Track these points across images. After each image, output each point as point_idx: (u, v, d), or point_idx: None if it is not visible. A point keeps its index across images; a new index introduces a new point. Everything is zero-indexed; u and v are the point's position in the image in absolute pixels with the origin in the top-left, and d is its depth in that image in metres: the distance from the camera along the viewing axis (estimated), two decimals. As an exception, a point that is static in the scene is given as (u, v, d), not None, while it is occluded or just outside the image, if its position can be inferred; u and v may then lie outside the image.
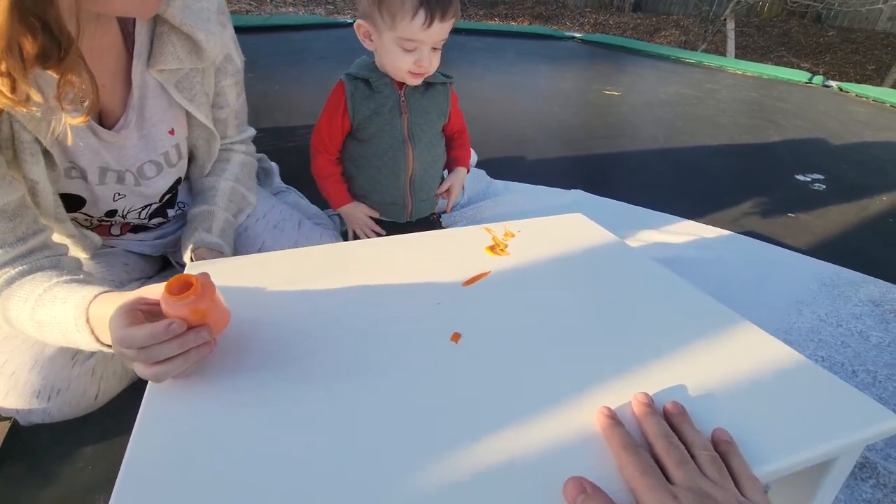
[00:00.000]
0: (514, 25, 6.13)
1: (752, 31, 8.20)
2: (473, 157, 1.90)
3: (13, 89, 0.60)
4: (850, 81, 6.50)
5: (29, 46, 0.58)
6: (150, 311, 0.58)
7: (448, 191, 1.21)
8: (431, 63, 0.99)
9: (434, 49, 0.98)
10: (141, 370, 0.57)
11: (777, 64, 6.97)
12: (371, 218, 1.18)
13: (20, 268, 0.75)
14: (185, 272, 0.61)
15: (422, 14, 0.90)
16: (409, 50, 0.96)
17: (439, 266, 0.87)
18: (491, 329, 0.70)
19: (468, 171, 1.27)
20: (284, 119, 2.18)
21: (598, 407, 0.58)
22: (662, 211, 1.66)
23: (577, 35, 4.28)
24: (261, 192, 1.17)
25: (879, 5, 5.52)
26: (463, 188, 1.73)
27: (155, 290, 0.60)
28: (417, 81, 1.02)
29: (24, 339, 0.82)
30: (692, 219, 1.62)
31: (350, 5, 7.59)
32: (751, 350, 0.67)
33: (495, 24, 6.75)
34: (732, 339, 0.69)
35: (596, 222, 1.09)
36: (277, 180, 1.43)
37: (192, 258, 0.94)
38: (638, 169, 2.03)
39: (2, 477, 0.78)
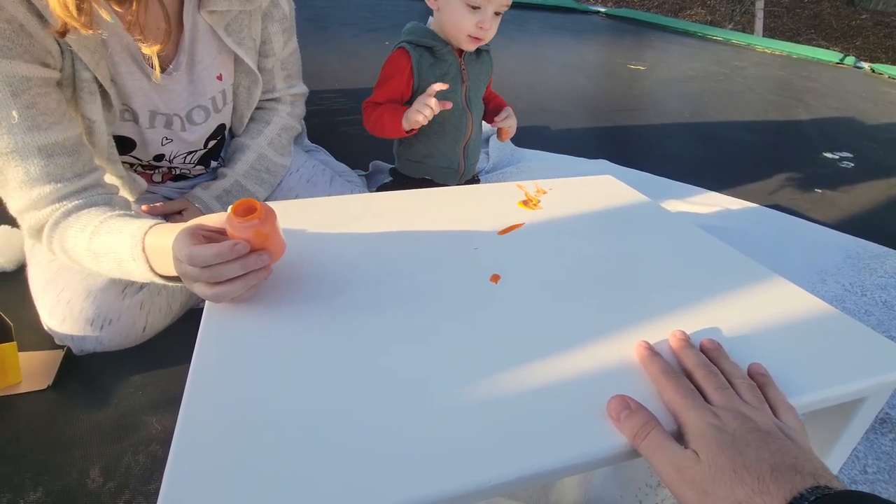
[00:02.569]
0: (536, -1, 6.04)
1: (782, 11, 7.98)
2: (512, 131, 1.91)
3: (82, 6, 0.64)
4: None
5: None
6: (209, 237, 0.62)
7: (508, 121, 1.19)
8: (491, 27, 1.00)
9: (496, 14, 0.99)
10: (202, 290, 0.61)
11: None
12: (425, 178, 1.18)
13: (77, 202, 0.79)
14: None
15: None
16: (475, 8, 0.98)
17: (474, 216, 0.89)
18: (529, 273, 0.72)
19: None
20: (309, 83, 2.20)
21: (636, 341, 0.61)
22: (687, 183, 1.66)
23: (602, 9, 4.22)
24: (294, 148, 1.19)
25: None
26: (487, 154, 1.75)
27: (214, 219, 0.64)
28: (474, 46, 1.04)
29: (78, 270, 0.86)
30: (717, 191, 1.63)
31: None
32: (782, 299, 0.70)
33: (518, -3, 6.66)
34: (764, 289, 0.72)
35: None
36: (307, 139, 1.46)
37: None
38: (663, 141, 2.02)
39: (59, 401, 0.84)
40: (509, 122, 1.18)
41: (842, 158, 1.97)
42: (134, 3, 0.67)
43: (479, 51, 1.12)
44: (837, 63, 3.44)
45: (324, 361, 0.56)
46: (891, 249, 1.37)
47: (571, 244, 0.81)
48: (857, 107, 2.59)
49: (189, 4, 0.88)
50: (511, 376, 0.54)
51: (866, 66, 3.40)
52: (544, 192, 1.00)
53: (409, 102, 1.08)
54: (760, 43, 3.77)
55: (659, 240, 0.86)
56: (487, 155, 1.74)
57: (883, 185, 1.79)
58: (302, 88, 1.17)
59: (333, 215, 0.85)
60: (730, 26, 6.66)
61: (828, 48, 6.81)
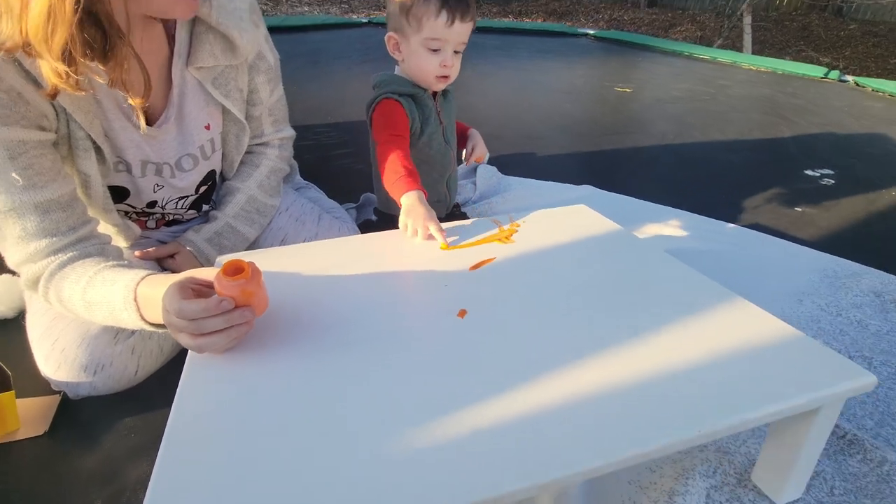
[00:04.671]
0: (527, 23, 6.16)
1: (771, 25, 8.11)
2: (485, 155, 1.97)
3: (71, 73, 0.70)
4: (872, 75, 6.43)
5: (86, 36, 0.68)
6: (198, 291, 0.67)
7: (473, 150, 1.28)
8: (454, 65, 1.08)
9: (456, 52, 1.07)
10: (186, 341, 0.65)
11: (796, 59, 6.90)
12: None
13: (71, 253, 0.84)
14: (226, 259, 0.69)
15: (444, 14, 1.03)
16: (434, 50, 1.06)
17: (448, 254, 0.94)
18: (493, 306, 0.77)
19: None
20: (303, 118, 2.27)
21: (592, 364, 0.65)
22: (670, 206, 1.70)
23: (591, 32, 4.32)
24: (283, 188, 1.25)
25: (900, -2, 5.44)
26: (475, 184, 1.80)
27: (203, 272, 0.69)
28: (442, 85, 1.12)
29: (72, 319, 0.91)
30: (699, 213, 1.67)
31: (364, 4, 7.68)
32: (740, 319, 0.74)
33: (509, 21, 6.80)
34: (723, 310, 0.76)
35: (603, 215, 1.15)
36: (298, 177, 1.52)
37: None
38: (647, 165, 2.08)
39: (54, 443, 0.87)
40: (477, 150, 1.28)
41: (823, 175, 2.02)
42: (111, 62, 0.73)
43: (445, 92, 1.21)
44: (822, 78, 3.51)
45: (299, 404, 0.60)
46: (866, 267, 1.41)
47: (539, 276, 0.86)
48: (840, 122, 2.65)
49: (178, 61, 0.94)
50: (467, 406, 0.58)
51: (851, 79, 3.46)
52: (518, 226, 1.06)
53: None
54: (746, 60, 3.85)
55: (627, 267, 0.91)
56: (475, 185, 1.79)
57: (862, 201, 1.83)
58: (289, 132, 1.23)
59: (314, 261, 0.91)
60: (719, 42, 6.76)
61: (818, 59, 6.90)
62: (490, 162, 1.97)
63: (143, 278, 0.77)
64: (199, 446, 0.54)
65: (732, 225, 1.61)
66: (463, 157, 1.31)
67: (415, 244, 0.97)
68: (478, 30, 4.56)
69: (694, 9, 8.70)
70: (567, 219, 1.10)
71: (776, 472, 0.74)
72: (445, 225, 1.03)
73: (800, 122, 2.58)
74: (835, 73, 3.53)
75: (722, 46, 6.57)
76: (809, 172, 2.03)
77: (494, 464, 0.52)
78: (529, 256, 0.94)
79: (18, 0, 0.64)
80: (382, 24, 1.03)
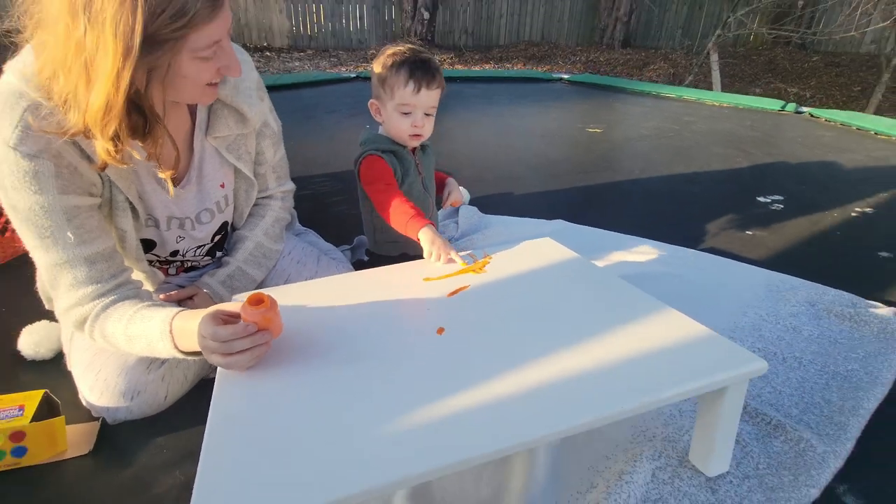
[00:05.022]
0: (505, 71, 6.52)
1: (739, 60, 8.57)
2: (466, 196, 2.16)
3: (118, 150, 0.88)
4: (837, 102, 6.78)
5: (132, 122, 0.86)
6: (226, 320, 0.83)
7: (449, 195, 1.48)
8: (425, 126, 1.28)
9: (427, 115, 1.27)
10: (218, 360, 0.82)
11: (766, 90, 7.29)
12: (405, 254, 1.40)
13: (113, 297, 1.00)
14: (252, 293, 0.86)
15: (412, 83, 1.23)
16: (406, 114, 1.26)
17: (429, 284, 1.11)
18: (465, 323, 0.94)
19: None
20: (300, 170, 2.47)
21: (541, 363, 0.81)
22: (635, 235, 1.89)
23: (565, 76, 4.62)
24: (286, 234, 1.42)
25: (852, 32, 5.85)
26: (457, 224, 1.99)
27: (228, 306, 0.86)
28: (416, 143, 1.32)
29: (112, 353, 1.07)
30: (661, 240, 1.86)
31: (352, 57, 8.07)
32: (666, 323, 0.92)
33: (489, 69, 7.17)
34: (652, 317, 0.94)
35: (573, 246, 1.33)
36: (297, 224, 1.70)
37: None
38: (615, 199, 2.28)
39: (97, 461, 1.02)
40: (453, 196, 1.47)
41: (773, 201, 2.22)
42: (149, 141, 0.92)
43: (423, 147, 1.41)
44: (779, 111, 3.78)
45: (311, 404, 0.76)
46: (804, 281, 1.58)
47: (504, 299, 1.03)
48: (793, 152, 2.88)
49: (199, 132, 1.14)
50: (445, 400, 0.75)
51: (806, 111, 3.73)
52: (490, 258, 1.23)
53: None
54: (710, 97, 4.13)
55: (579, 288, 1.08)
56: (457, 224, 1.97)
57: (806, 222, 2.02)
58: (290, 185, 1.41)
59: (317, 295, 1.08)
60: (690, 78, 7.15)
61: (785, 89, 7.26)
62: (472, 202, 2.16)
63: (176, 314, 0.93)
64: (233, 441, 0.70)
65: (691, 250, 1.80)
66: (443, 204, 1.49)
67: (402, 276, 1.14)
68: (461, 80, 4.86)
69: (666, 47, 9.18)
70: (533, 250, 1.28)
71: (705, 449, 0.90)
72: (424, 261, 1.21)
73: (756, 153, 2.81)
74: (791, 106, 3.80)
75: (693, 82, 6.95)
76: (761, 199, 2.23)
77: (471, 432, 0.68)
78: (498, 283, 1.11)
79: (84, 96, 0.83)
80: (368, 79, 1.20)
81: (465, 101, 3.93)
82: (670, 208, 2.17)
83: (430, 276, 1.13)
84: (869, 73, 7.59)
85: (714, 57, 6.61)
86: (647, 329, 0.90)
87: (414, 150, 1.37)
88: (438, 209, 1.52)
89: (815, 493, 0.90)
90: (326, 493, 0.60)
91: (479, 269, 1.18)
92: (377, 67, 1.27)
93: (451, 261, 1.16)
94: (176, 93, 0.95)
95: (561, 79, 4.60)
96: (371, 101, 1.31)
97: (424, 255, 1.18)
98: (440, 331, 0.92)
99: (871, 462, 0.99)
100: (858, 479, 0.95)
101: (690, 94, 4.20)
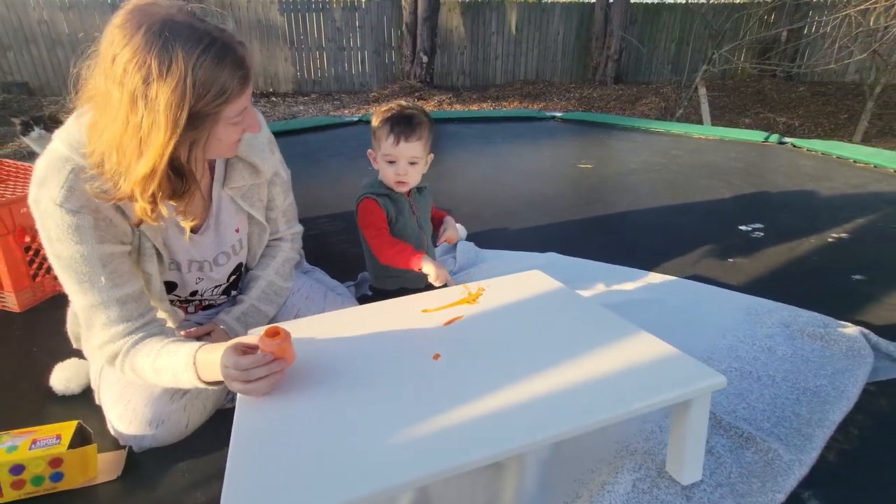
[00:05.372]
0: (501, 110, 6.75)
1: (728, 92, 8.82)
2: (462, 232, 2.29)
3: (153, 210, 1.00)
4: (826, 130, 6.97)
5: (172, 185, 0.99)
6: (245, 351, 0.94)
7: (444, 232, 1.61)
8: (408, 174, 1.43)
9: (412, 164, 1.41)
10: (239, 387, 0.92)
11: (755, 120, 7.50)
12: (403, 287, 1.53)
13: (141, 334, 1.12)
14: (269, 326, 0.97)
15: (392, 137, 1.38)
16: (391, 162, 1.41)
17: (428, 315, 1.22)
18: (461, 350, 1.04)
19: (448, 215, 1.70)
20: (306, 212, 2.58)
21: (521, 385, 0.91)
22: (623, 265, 2.01)
23: (558, 114, 4.81)
24: (295, 272, 1.54)
25: (832, 65, 6.07)
26: (455, 259, 2.10)
27: (247, 339, 0.97)
28: (402, 189, 1.46)
29: (139, 385, 1.17)
30: (648, 269, 1.97)
31: (354, 100, 8.36)
32: (637, 344, 1.02)
33: (485, 110, 7.41)
34: (624, 338, 1.04)
35: (564, 277, 1.44)
36: (305, 263, 1.81)
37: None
38: (605, 231, 2.40)
39: (126, 485, 1.11)
40: (448, 233, 1.60)
41: (754, 229, 2.34)
42: (185, 199, 1.05)
43: (419, 189, 1.54)
44: (763, 142, 3.93)
45: (324, 422, 0.86)
46: (780, 304, 1.68)
47: (495, 327, 1.14)
48: (775, 181, 3.01)
49: (217, 184, 1.26)
50: (434, 417, 0.85)
51: (789, 141, 3.88)
52: (483, 290, 1.34)
53: None
54: (696, 130, 4.30)
55: (563, 316, 1.18)
56: (455, 259, 2.09)
57: (785, 249, 2.13)
58: (298, 228, 1.54)
59: (325, 328, 1.19)
60: (680, 112, 7.37)
61: (774, 119, 7.46)
62: (469, 237, 2.28)
63: (199, 347, 1.04)
64: (254, 454, 0.80)
65: (675, 278, 1.91)
66: (436, 242, 1.61)
67: (403, 309, 1.25)
68: (458, 121, 5.07)
69: (657, 82, 9.46)
70: (522, 282, 1.39)
71: (678, 458, 0.99)
72: (429, 293, 1.33)
73: (739, 184, 2.94)
74: (774, 137, 3.95)
75: (683, 115, 7.17)
76: (743, 227, 2.35)
77: (465, 440, 0.78)
78: (489, 313, 1.22)
79: (134, 168, 0.95)
80: (370, 122, 1.34)
81: (463, 141, 4.11)
82: (657, 239, 2.29)
83: (427, 308, 1.24)
84: (855, 100, 7.81)
85: (702, 91, 6.82)
86: (621, 351, 1.00)
87: (409, 192, 1.50)
88: (436, 246, 1.64)
89: (782, 497, 0.98)
90: (340, 495, 0.70)
91: (473, 300, 1.29)
92: (373, 121, 1.44)
93: (449, 282, 1.35)
94: (211, 153, 1.08)
95: (554, 117, 4.79)
96: (369, 150, 1.47)
97: (430, 278, 1.35)
98: (437, 356, 1.03)
99: (834, 470, 1.07)
100: (822, 486, 1.03)
101: (678, 128, 4.36)
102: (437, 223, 1.64)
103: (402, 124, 1.38)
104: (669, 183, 3.00)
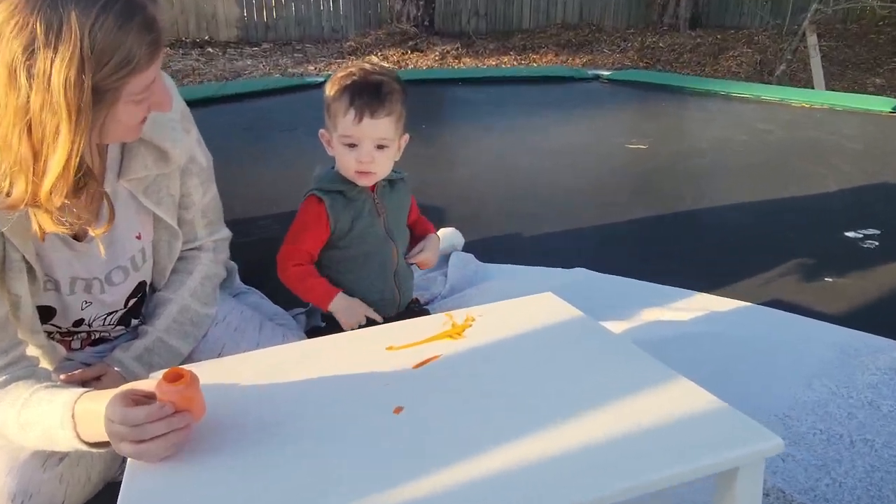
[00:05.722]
0: (525, 68, 6.82)
1: (852, 41, 8.83)
2: (458, 239, 2.34)
3: (58, 217, 1.07)
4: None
5: (67, 180, 1.04)
6: (138, 401, 0.99)
7: (421, 256, 1.67)
8: (375, 160, 1.46)
9: (379, 147, 1.45)
10: (128, 449, 0.97)
11: (889, 80, 7.51)
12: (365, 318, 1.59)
13: (3, 377, 1.16)
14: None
15: (352, 111, 1.40)
16: (351, 146, 1.44)
17: (394, 354, 1.27)
18: (431, 402, 1.09)
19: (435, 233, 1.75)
20: (243, 209, 2.66)
21: (511, 460, 0.96)
22: (677, 284, 2.06)
23: (605, 73, 4.88)
24: (220, 294, 1.57)
25: None
26: (445, 276, 2.15)
27: (143, 384, 1.02)
28: (365, 181, 1.50)
29: (3, 446, 1.22)
30: (710, 291, 2.02)
31: (322, 51, 8.45)
32: (666, 396, 1.07)
33: (505, 67, 7.47)
34: (654, 389, 1.08)
35: (595, 302, 1.49)
36: (237, 281, 1.86)
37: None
38: (655, 238, 2.46)
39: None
40: (423, 255, 1.65)
41: (865, 237, 2.37)
42: (85, 198, 1.11)
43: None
44: (890, 112, 3.96)
45: (243, 499, 0.90)
46: (891, 341, 1.72)
47: (482, 370, 1.18)
48: (902, 169, 3.04)
49: (110, 174, 1.31)
50: (399, 478, 0.89)
51: (927, 112, 3.91)
52: (473, 320, 1.38)
53: (327, 244, 1.54)
54: (797, 96, 4.34)
55: (576, 357, 1.23)
56: (445, 277, 2.14)
57: (906, 266, 2.17)
58: (224, 233, 1.59)
59: (254, 370, 1.23)
60: (782, 67, 7.41)
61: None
62: (467, 247, 2.33)
63: (80, 395, 1.09)
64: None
65: (747, 303, 1.95)
66: (406, 256, 1.66)
67: (361, 345, 1.30)
68: (464, 83, 5.13)
69: (750, 27, 9.47)
70: (528, 310, 1.43)
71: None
72: (395, 324, 1.37)
73: (851, 172, 2.98)
74: (909, 106, 3.98)
75: (785, 75, 7.20)
76: (850, 234, 2.39)
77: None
78: (477, 351, 1.26)
79: (34, 166, 1.00)
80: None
81: (468, 110, 4.17)
82: (725, 248, 2.34)
83: (394, 345, 1.29)
84: None
85: (812, 39, 6.84)
86: (644, 403, 1.04)
87: (375, 186, 1.55)
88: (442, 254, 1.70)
89: None
90: None
91: (458, 333, 1.33)
92: (326, 91, 1.47)
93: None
94: (107, 137, 1.14)
95: (598, 77, 4.86)
96: (321, 130, 1.52)
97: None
98: (398, 410, 1.08)
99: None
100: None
101: (772, 92, 4.41)
102: (418, 238, 1.70)
103: (367, 95, 1.41)
104: (752, 169, 3.04)
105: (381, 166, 1.49)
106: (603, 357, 1.22)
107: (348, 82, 1.43)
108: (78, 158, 1.01)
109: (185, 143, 1.39)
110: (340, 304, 1.53)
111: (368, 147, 1.44)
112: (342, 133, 1.44)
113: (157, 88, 1.12)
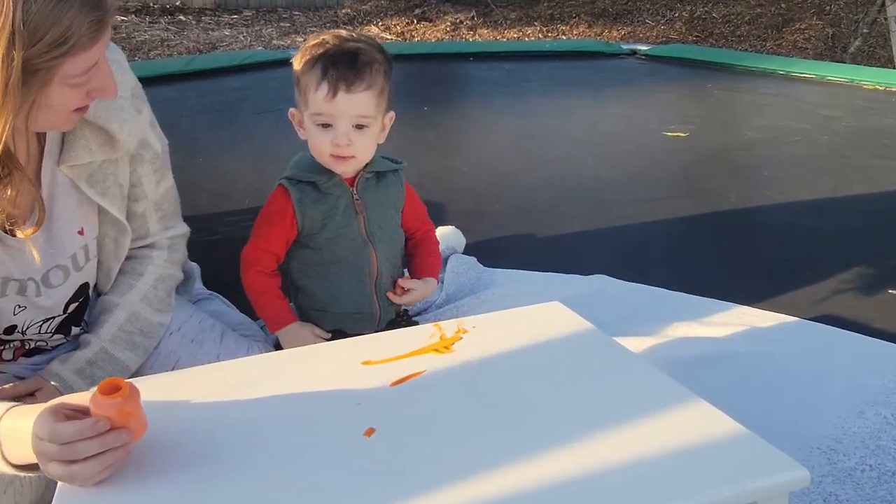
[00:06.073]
0: (546, 42, 6.82)
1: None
2: (458, 240, 2.36)
3: None
4: None
5: None
6: (71, 416, 1.02)
7: (407, 290, 1.64)
8: (353, 142, 1.45)
9: (358, 127, 1.46)
10: (57, 470, 1.01)
11: None
12: (339, 329, 1.60)
13: (-82, 393, 1.21)
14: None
15: (325, 85, 1.40)
16: (324, 126, 1.44)
17: (371, 369, 1.30)
18: (407, 424, 1.12)
19: (438, 282, 1.75)
20: (210, 203, 2.68)
21: (488, 482, 0.98)
22: (714, 295, 2.07)
23: (642, 48, 4.89)
24: (176, 300, 1.60)
25: None
26: (441, 282, 2.17)
27: (77, 397, 1.05)
28: (344, 167, 1.50)
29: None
30: (753, 304, 2.03)
31: (313, 20, 8.49)
32: (682, 421, 1.09)
33: (526, 40, 7.47)
34: (669, 412, 1.10)
35: (612, 315, 1.51)
36: (198, 285, 1.89)
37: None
38: (691, 240, 2.48)
39: None
40: (409, 296, 1.65)
41: (941, 244, 2.39)
42: (8, 189, 1.14)
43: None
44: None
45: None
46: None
47: (468, 389, 1.21)
48: None
49: (48, 160, 1.35)
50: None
51: None
52: (465, 332, 1.41)
53: (298, 242, 1.56)
54: (873, 78, 4.33)
55: (579, 377, 1.25)
56: (442, 283, 2.16)
57: None
58: (181, 229, 1.61)
59: (209, 386, 1.25)
60: (856, 44, 7.38)
61: None
62: (468, 249, 2.36)
63: (7, 410, 1.12)
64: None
65: (795, 318, 1.97)
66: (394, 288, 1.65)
67: (334, 359, 1.33)
68: (476, 58, 5.15)
69: (822, -7, 9.42)
70: (529, 321, 1.45)
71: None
72: (375, 335, 1.39)
73: (930, 166, 2.99)
74: None
75: (862, 52, 7.17)
76: (922, 240, 2.40)
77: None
78: (466, 369, 1.28)
79: None
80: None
81: (479, 90, 4.20)
82: (774, 253, 2.36)
83: (371, 360, 1.32)
84: None
85: (893, 9, 6.82)
86: (654, 427, 1.07)
87: (355, 177, 1.56)
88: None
89: None
90: None
91: (446, 347, 1.36)
92: (295, 63, 1.47)
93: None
94: (36, 124, 1.17)
95: (635, 52, 4.88)
96: (291, 109, 1.52)
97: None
98: (369, 432, 1.10)
99: None
100: None
101: (841, 72, 4.40)
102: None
103: (342, 65, 1.41)
104: (813, 162, 3.05)
105: (361, 150, 1.48)
106: (610, 376, 1.24)
107: (320, 51, 1.43)
108: (1, 143, 1.04)
109: (136, 125, 1.41)
110: (287, 332, 1.58)
111: (345, 127, 1.43)
112: (314, 111, 1.44)
113: (99, 72, 1.15)
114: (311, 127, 1.46)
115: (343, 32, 1.50)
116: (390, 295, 1.63)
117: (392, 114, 1.54)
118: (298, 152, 1.59)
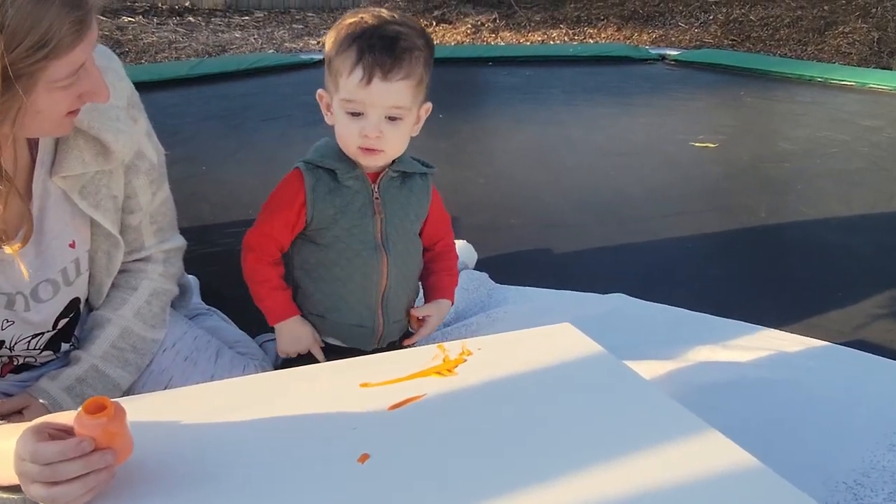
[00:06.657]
0: (571, 47, 6.81)
1: None
2: (472, 257, 2.36)
3: None
4: None
5: None
6: (55, 436, 1.04)
7: (423, 320, 1.64)
8: (384, 134, 1.40)
9: (392, 119, 1.41)
10: (39, 492, 1.03)
11: None
12: (329, 344, 1.60)
13: None
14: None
15: (359, 70, 1.34)
16: (354, 115, 1.39)
17: (370, 392, 1.31)
18: (404, 451, 1.13)
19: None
20: (211, 214, 2.70)
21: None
22: (741, 317, 2.07)
23: (672, 53, 4.90)
24: (171, 315, 1.62)
25: None
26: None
27: (62, 417, 1.07)
28: (372, 161, 1.46)
29: None
30: (781, 326, 2.03)
31: (327, 22, 8.51)
32: (691, 454, 1.09)
33: (550, 44, 7.47)
34: (678, 444, 1.11)
35: (629, 338, 1.51)
36: (196, 299, 1.91)
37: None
38: (718, 258, 2.47)
39: None
40: (428, 327, 1.67)
41: (985, 266, 2.37)
42: None
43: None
44: None
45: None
46: None
47: (469, 415, 1.22)
48: None
49: (40, 170, 1.37)
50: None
51: None
52: (469, 354, 1.42)
53: (304, 235, 1.54)
54: (917, 84, 4.32)
55: (585, 405, 1.25)
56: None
57: None
58: (177, 242, 1.63)
59: (201, 407, 1.27)
60: (903, 49, 7.33)
61: None
62: (480, 265, 2.36)
63: (-8, 430, 1.15)
64: None
65: (821, 343, 1.96)
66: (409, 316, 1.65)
67: (331, 380, 1.34)
68: (496, 62, 5.17)
69: (867, -5, 9.35)
70: (537, 344, 1.45)
71: None
72: (375, 356, 1.40)
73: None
74: None
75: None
76: (966, 262, 2.38)
77: None
78: (469, 393, 1.29)
79: None
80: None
81: (499, 97, 4.22)
82: (807, 272, 2.34)
83: (369, 382, 1.33)
84: None
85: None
86: (662, 459, 1.07)
87: (379, 174, 1.52)
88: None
89: None
90: None
91: (449, 369, 1.36)
92: (327, 43, 1.42)
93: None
94: (26, 130, 1.19)
95: (663, 57, 4.89)
96: (320, 91, 1.46)
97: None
98: (363, 458, 1.12)
99: None
100: None
101: (882, 79, 4.38)
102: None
103: (379, 49, 1.34)
104: (850, 176, 3.04)
105: (392, 143, 1.43)
106: (619, 404, 1.25)
107: (357, 31, 1.37)
108: None
109: (132, 135, 1.42)
110: (286, 326, 1.57)
111: (376, 117, 1.38)
112: (345, 97, 1.38)
113: (87, 74, 1.16)
114: (339, 113, 1.42)
115: (384, 12, 1.44)
116: (412, 322, 1.66)
117: (429, 105, 1.50)
118: (322, 139, 1.55)
